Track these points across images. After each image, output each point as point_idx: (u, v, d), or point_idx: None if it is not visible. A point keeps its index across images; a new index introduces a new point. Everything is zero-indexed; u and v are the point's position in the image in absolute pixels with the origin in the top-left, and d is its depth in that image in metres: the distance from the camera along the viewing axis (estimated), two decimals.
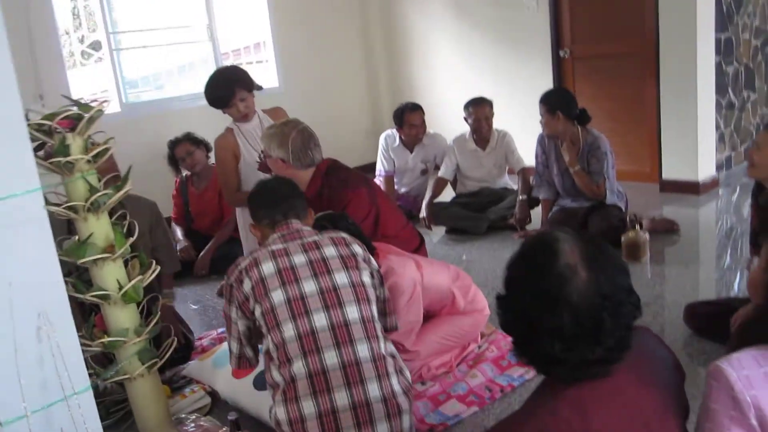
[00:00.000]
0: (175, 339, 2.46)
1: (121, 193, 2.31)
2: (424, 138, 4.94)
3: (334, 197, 2.90)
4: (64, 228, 2.57)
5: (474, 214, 4.58)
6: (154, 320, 2.38)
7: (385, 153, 5.06)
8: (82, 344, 2.20)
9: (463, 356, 2.72)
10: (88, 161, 2.23)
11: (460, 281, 2.76)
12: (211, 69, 6.01)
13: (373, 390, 1.89)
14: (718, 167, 5.03)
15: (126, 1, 5.55)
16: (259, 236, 2.24)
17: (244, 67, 4.16)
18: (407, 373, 2.04)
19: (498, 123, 4.79)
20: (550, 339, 1.19)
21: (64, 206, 2.19)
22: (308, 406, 1.86)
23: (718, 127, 4.94)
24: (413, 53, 6.65)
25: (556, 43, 5.52)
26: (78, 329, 2.52)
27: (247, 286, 2.00)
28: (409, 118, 4.85)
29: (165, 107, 5.67)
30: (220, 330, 3.37)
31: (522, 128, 5.04)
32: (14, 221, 1.63)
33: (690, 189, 4.79)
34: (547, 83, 5.41)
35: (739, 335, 1.38)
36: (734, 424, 1.18)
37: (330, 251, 2.06)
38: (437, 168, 4.90)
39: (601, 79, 5.36)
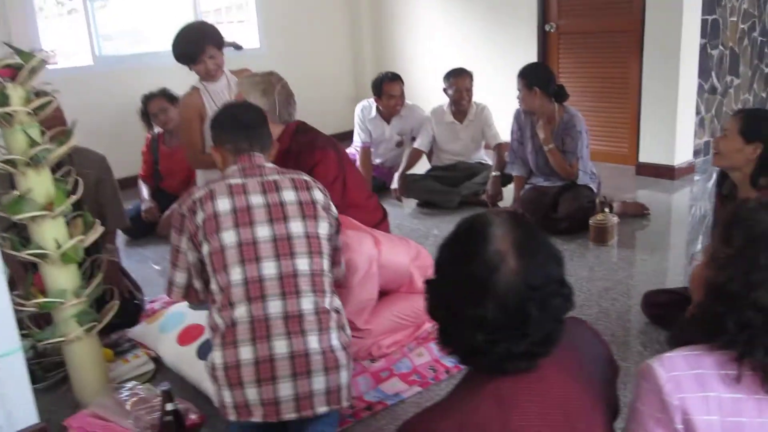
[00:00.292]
0: (117, 303, 2.39)
1: (64, 148, 2.21)
2: (401, 109, 4.83)
3: (302, 156, 2.83)
4: (7, 182, 2.47)
5: (446, 188, 4.51)
6: (95, 282, 2.30)
7: (361, 124, 4.95)
8: (16, 304, 2.14)
9: (415, 336, 2.66)
10: (29, 113, 2.13)
11: (419, 260, 2.70)
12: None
13: (313, 342, 1.87)
14: (696, 153, 4.97)
15: None
16: (219, 160, 2.13)
17: (225, 26, 4.04)
18: (348, 330, 2.02)
19: (479, 96, 4.70)
20: (473, 329, 1.13)
21: (1, 160, 2.10)
22: (246, 352, 1.83)
23: (698, 111, 4.87)
24: (400, 20, 6.52)
25: (543, 17, 5.41)
26: (17, 287, 2.46)
27: (199, 217, 1.94)
28: (387, 88, 4.73)
29: (140, 62, 5.54)
30: None
31: (504, 102, 4.94)
32: None
33: (665, 173, 4.73)
34: (531, 57, 5.31)
35: (676, 334, 1.32)
36: (659, 426, 1.14)
37: (289, 195, 1.99)
38: (414, 140, 4.80)
39: (586, 55, 5.26)
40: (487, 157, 4.77)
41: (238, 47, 5.77)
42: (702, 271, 1.24)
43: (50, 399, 2.41)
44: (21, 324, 2.13)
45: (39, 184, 2.16)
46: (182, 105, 3.45)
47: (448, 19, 6.06)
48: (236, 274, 1.87)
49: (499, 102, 4.90)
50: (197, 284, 2.01)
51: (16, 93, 2.09)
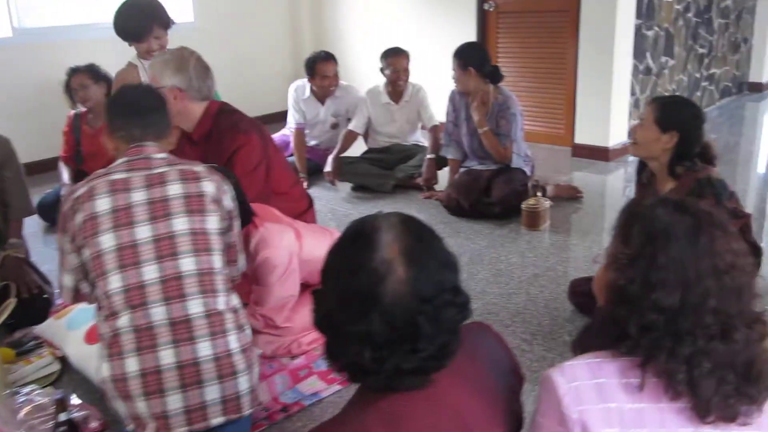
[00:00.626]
0: (14, 302, 2.22)
1: None
2: (336, 90, 4.69)
3: (224, 139, 2.70)
4: None
5: (381, 172, 4.41)
6: None
7: (295, 105, 4.79)
8: None
9: None
10: None
11: None
12: None
13: (204, 349, 1.74)
14: (630, 133, 4.97)
15: None
16: (112, 149, 1.99)
17: None
18: (248, 330, 1.89)
19: (417, 77, 4.60)
20: (359, 345, 1.04)
21: None
22: (131, 364, 1.71)
23: (633, 92, 4.87)
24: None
25: None
26: None
27: (79, 218, 1.80)
28: (321, 68, 4.58)
29: (65, 35, 5.25)
30: None
31: (442, 83, 4.84)
32: None
33: (600, 155, 4.73)
34: (469, 36, 5.22)
35: (579, 340, 1.26)
36: None
37: (175, 189, 1.84)
38: (349, 121, 4.68)
39: (525, 35, 5.19)
40: (423, 139, 4.68)
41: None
42: (604, 274, 1.18)
43: None
44: None
45: None
46: (117, 81, 3.32)
47: None
48: (116, 282, 1.74)
49: (438, 82, 4.80)
50: (85, 287, 1.87)
51: None
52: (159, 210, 1.80)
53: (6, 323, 2.50)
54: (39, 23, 5.31)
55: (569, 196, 3.97)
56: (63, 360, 2.47)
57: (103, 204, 1.78)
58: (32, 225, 3.79)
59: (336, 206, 4.22)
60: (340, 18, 6.41)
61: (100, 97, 4.17)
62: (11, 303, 2.22)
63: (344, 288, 1.06)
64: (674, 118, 2.31)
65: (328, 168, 4.44)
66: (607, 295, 1.16)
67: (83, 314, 2.54)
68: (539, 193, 3.60)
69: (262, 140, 2.82)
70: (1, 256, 2.26)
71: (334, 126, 4.79)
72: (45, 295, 2.88)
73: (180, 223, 1.80)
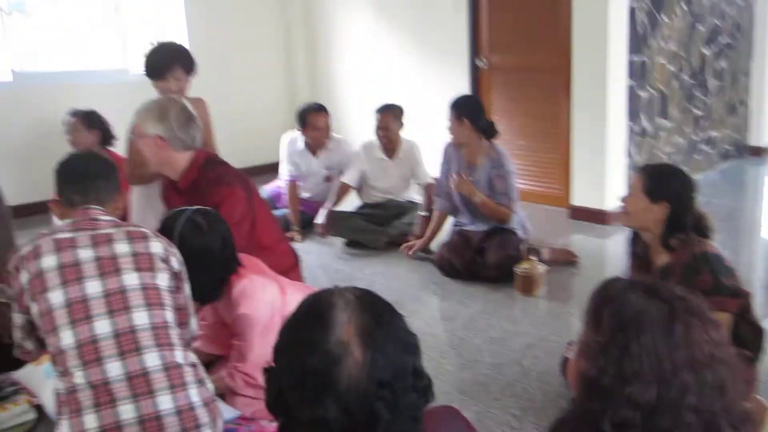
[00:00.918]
0: None
1: None
2: (329, 143, 4.68)
3: (207, 192, 2.68)
4: None
5: (374, 228, 4.35)
6: None
7: (288, 157, 4.76)
8: None
9: None
10: None
11: None
12: (119, 46, 5.68)
13: (165, 402, 1.70)
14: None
15: None
16: (58, 214, 2.02)
17: None
18: (210, 385, 1.85)
19: (410, 132, 4.59)
20: None
21: None
22: (90, 420, 1.65)
23: (629, 154, 4.82)
24: (335, 51, 6.47)
25: (474, 51, 5.34)
26: None
27: (24, 278, 1.78)
28: (312, 120, 4.57)
29: (64, 80, 5.33)
30: None
31: (435, 138, 4.82)
32: None
33: (598, 218, 4.62)
34: (462, 92, 5.21)
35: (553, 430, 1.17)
36: None
37: (122, 248, 1.83)
38: (342, 173, 4.65)
39: (518, 93, 5.19)
40: (418, 196, 4.64)
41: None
42: (576, 362, 1.10)
43: None
44: None
45: None
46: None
47: (381, 49, 6.02)
48: (67, 338, 1.70)
49: (430, 138, 4.78)
50: (29, 345, 1.86)
51: None
52: (108, 266, 1.79)
53: None
54: (38, 68, 5.42)
55: (565, 260, 3.86)
56: (39, 408, 2.39)
57: (49, 261, 1.77)
58: None
59: (328, 261, 4.15)
60: (333, 72, 6.51)
61: (92, 144, 4.20)
62: None
63: (297, 368, 0.99)
64: (664, 188, 2.21)
65: (320, 220, 4.39)
66: (580, 386, 1.08)
67: None
68: (533, 257, 3.51)
69: (247, 194, 2.81)
70: None
71: (328, 179, 4.75)
72: None
73: (130, 279, 1.79)
